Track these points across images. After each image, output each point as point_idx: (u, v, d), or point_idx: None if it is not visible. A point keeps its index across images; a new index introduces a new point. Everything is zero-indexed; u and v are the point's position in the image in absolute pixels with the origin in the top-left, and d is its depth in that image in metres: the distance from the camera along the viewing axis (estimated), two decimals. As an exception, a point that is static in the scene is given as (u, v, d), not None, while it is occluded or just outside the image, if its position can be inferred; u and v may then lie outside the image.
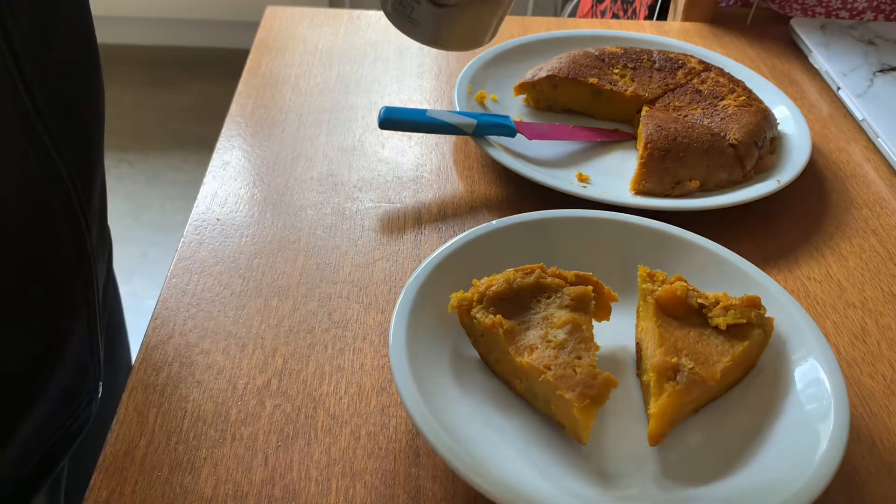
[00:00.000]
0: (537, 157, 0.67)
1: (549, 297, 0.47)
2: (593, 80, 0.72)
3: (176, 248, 0.57)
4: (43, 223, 0.47)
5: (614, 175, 0.66)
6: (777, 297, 0.50)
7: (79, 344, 0.54)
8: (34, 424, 0.51)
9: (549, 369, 0.43)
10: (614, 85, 0.72)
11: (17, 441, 0.49)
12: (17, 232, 0.45)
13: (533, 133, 0.68)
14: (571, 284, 0.48)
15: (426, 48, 0.84)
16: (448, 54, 0.84)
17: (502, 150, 0.65)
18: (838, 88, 0.80)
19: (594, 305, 0.47)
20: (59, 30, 0.45)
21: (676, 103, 0.70)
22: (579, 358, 0.44)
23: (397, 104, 0.75)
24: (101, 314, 0.56)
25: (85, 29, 0.50)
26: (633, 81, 0.73)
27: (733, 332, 0.46)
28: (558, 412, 0.44)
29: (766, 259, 0.60)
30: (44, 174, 0.46)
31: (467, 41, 0.53)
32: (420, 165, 0.67)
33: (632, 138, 0.71)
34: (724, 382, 0.46)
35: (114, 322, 0.67)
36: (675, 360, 0.44)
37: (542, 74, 0.72)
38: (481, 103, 0.72)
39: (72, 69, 0.48)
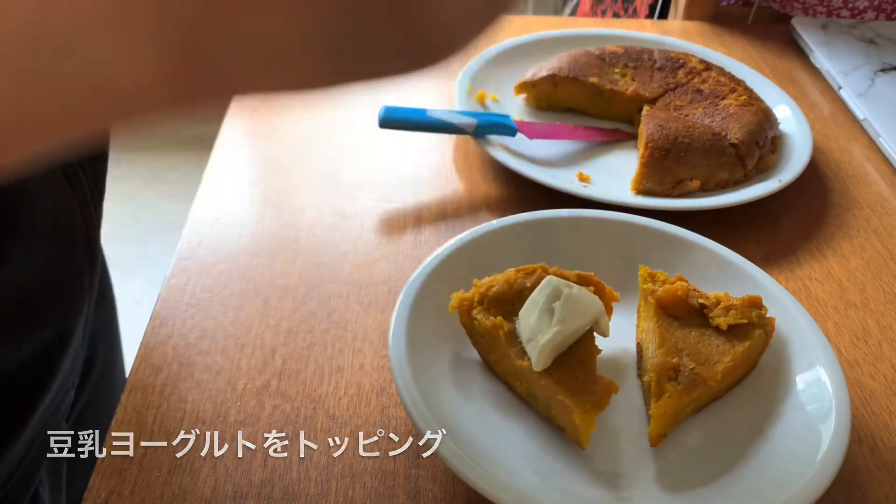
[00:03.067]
0: (538, 156, 0.67)
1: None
2: (594, 80, 0.72)
3: (175, 248, 0.57)
4: (64, 226, 0.51)
5: (615, 175, 0.66)
6: (778, 298, 0.50)
7: (80, 336, 0.54)
8: (41, 411, 0.52)
9: (550, 373, 0.43)
10: (615, 84, 0.72)
11: (28, 426, 0.50)
12: (42, 234, 0.48)
13: (533, 132, 0.68)
14: (572, 284, 0.48)
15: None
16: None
17: (503, 150, 0.65)
18: (839, 88, 0.80)
19: (595, 305, 0.47)
20: None
21: (677, 103, 0.70)
22: (580, 361, 0.43)
23: (397, 104, 0.75)
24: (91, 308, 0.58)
25: None
26: (634, 81, 0.72)
27: (734, 333, 0.46)
28: (559, 416, 0.44)
29: (767, 259, 0.60)
30: (67, 182, 0.50)
31: None
32: (420, 165, 0.67)
33: (632, 138, 0.71)
34: (725, 383, 0.46)
35: (106, 318, 0.67)
36: (675, 360, 0.44)
37: (543, 73, 0.72)
38: (482, 103, 0.72)
39: None
